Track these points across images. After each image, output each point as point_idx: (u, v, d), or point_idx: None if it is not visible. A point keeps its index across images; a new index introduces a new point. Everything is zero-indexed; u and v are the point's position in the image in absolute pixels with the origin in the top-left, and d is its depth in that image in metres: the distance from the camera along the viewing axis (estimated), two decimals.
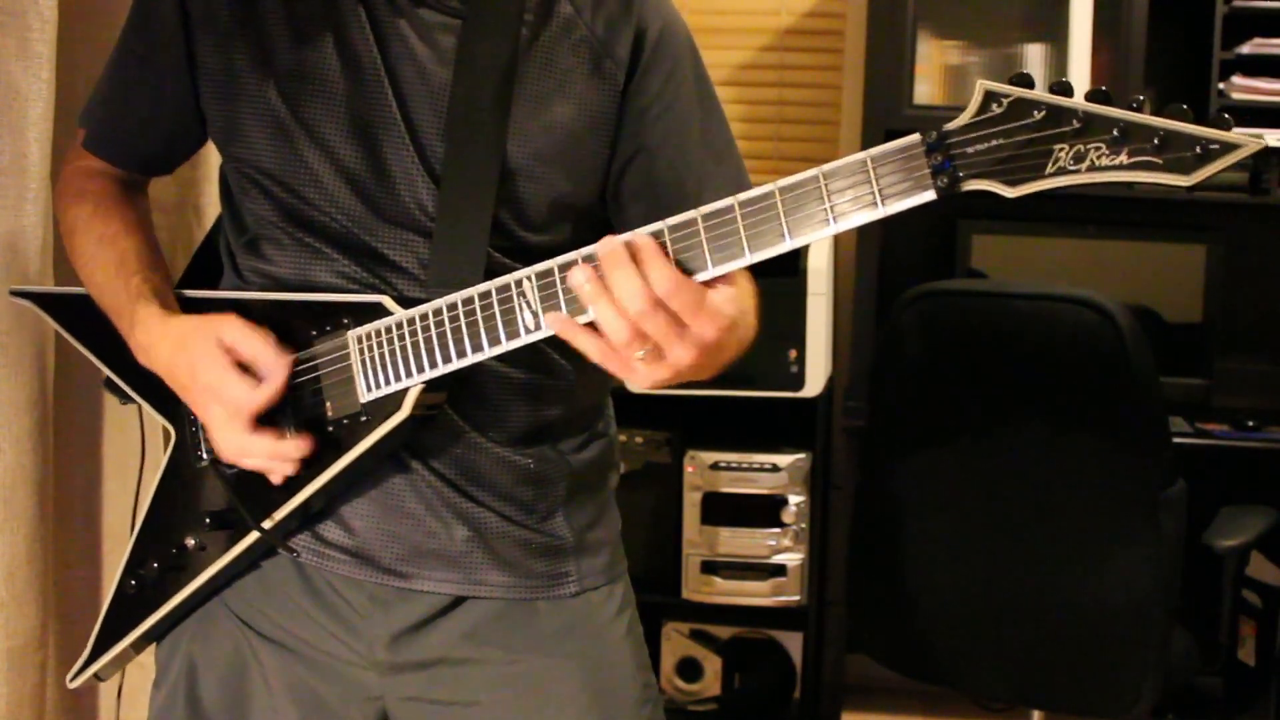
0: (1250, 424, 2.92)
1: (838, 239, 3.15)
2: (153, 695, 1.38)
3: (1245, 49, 2.98)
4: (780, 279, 2.76)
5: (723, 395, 2.93)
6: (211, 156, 1.36)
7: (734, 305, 1.12)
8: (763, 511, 2.98)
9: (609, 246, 1.07)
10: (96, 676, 1.41)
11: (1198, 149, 0.92)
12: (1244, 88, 2.96)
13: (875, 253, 3.16)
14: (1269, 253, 3.24)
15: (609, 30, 1.29)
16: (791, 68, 3.43)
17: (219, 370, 1.23)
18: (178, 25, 1.29)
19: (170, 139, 1.38)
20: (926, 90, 3.08)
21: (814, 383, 2.88)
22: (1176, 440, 2.29)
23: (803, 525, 2.98)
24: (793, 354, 2.87)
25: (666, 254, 1.07)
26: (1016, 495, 2.24)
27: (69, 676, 1.41)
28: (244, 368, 1.23)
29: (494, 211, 1.24)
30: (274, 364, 1.23)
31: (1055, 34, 3.00)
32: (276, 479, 1.26)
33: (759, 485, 2.98)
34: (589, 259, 1.09)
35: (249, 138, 1.27)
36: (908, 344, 2.32)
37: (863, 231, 3.18)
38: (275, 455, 1.24)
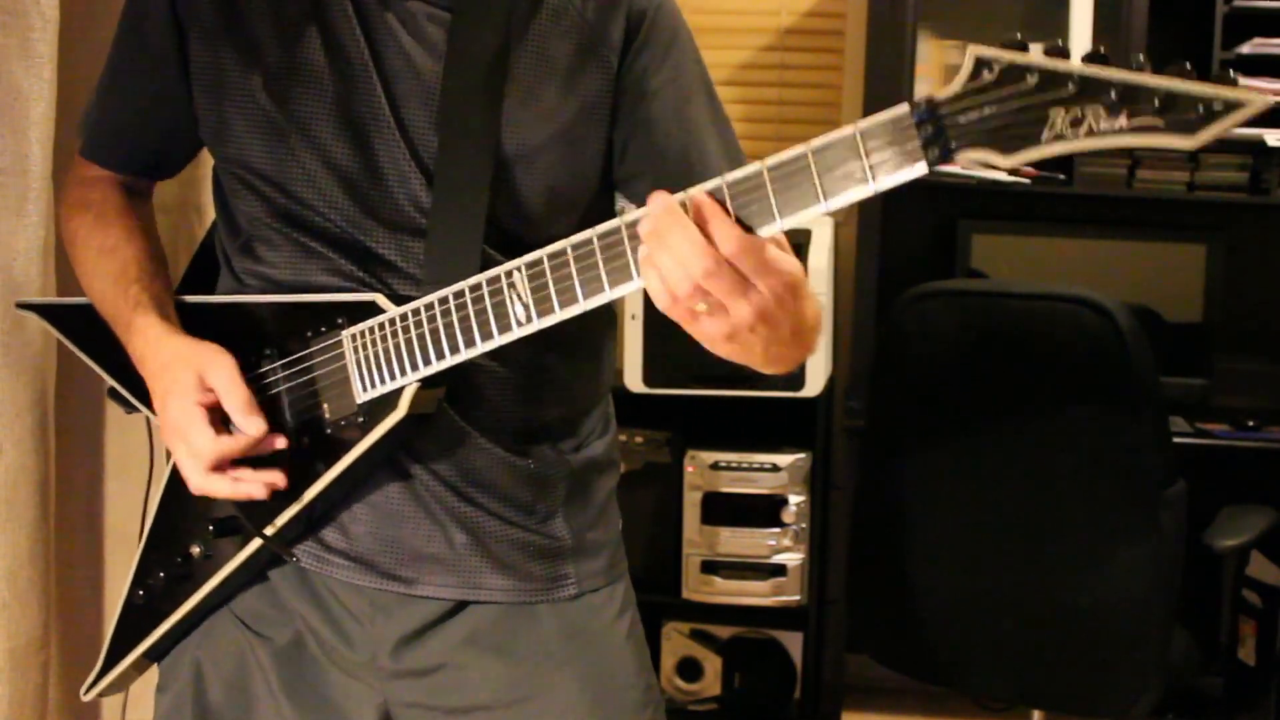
0: (1250, 424, 2.93)
1: (838, 238, 3.15)
2: (157, 699, 1.38)
3: (1245, 49, 2.98)
4: None
5: (723, 395, 2.93)
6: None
7: (795, 265, 1.05)
8: (763, 511, 2.98)
9: (662, 204, 1.00)
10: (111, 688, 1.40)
11: (1200, 109, 0.86)
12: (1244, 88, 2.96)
13: (875, 253, 3.16)
14: (1269, 253, 3.24)
15: (600, 15, 1.28)
16: (791, 68, 3.43)
17: (188, 411, 1.22)
18: (168, 26, 1.28)
19: (167, 141, 1.37)
20: (926, 90, 3.07)
21: (814, 383, 2.88)
22: (1176, 440, 2.29)
23: (803, 525, 2.98)
24: None
25: (727, 211, 1.00)
26: (1016, 495, 2.24)
27: (83, 689, 1.40)
28: (219, 413, 1.23)
29: (490, 206, 1.23)
30: (247, 423, 1.22)
31: (1055, 34, 3.00)
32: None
33: (759, 485, 2.98)
34: (631, 225, 1.04)
35: (240, 138, 1.26)
36: (908, 344, 2.32)
37: (862, 231, 3.18)
38: (237, 496, 1.23)
